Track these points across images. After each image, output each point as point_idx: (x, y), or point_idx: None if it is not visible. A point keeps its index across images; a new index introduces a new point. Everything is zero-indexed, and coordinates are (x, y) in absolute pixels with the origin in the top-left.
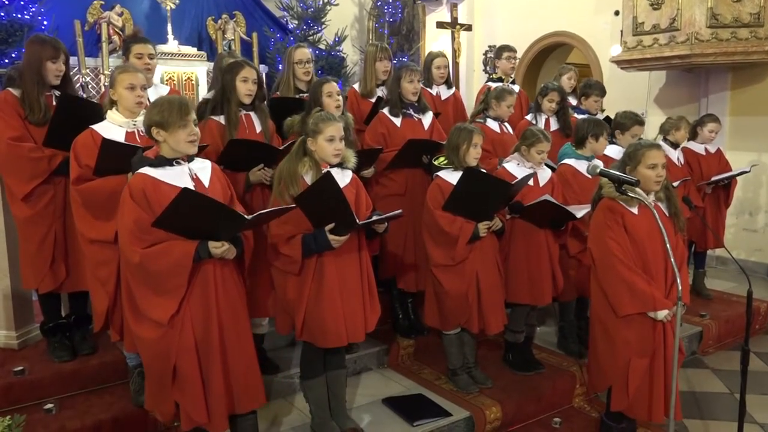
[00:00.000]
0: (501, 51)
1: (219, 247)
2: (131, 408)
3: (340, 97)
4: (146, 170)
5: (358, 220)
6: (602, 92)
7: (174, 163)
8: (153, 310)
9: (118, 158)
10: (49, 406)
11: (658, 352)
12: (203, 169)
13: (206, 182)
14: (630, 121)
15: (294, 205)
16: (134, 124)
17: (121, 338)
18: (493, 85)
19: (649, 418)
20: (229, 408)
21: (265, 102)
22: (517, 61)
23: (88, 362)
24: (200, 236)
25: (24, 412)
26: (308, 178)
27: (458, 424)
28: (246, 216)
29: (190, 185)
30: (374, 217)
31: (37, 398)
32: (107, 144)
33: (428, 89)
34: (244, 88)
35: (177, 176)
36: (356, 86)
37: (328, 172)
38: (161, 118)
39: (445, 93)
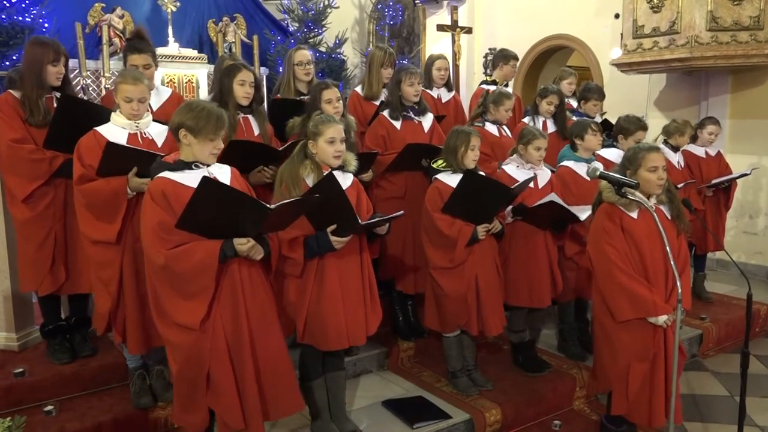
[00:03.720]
0: (507, 58)
1: (245, 244)
2: (131, 410)
3: (340, 103)
4: (165, 174)
5: (360, 221)
6: (601, 96)
7: (193, 166)
8: (182, 316)
9: (122, 161)
10: (49, 407)
11: (659, 356)
12: (222, 173)
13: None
14: (634, 126)
15: (318, 195)
16: (137, 126)
17: (123, 340)
18: (489, 87)
19: (649, 422)
20: (265, 413)
21: (264, 104)
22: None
23: (88, 364)
24: (224, 235)
25: (24, 413)
26: (310, 181)
27: (458, 427)
28: (269, 206)
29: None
30: (376, 218)
31: (37, 400)
32: (112, 147)
33: (429, 92)
34: (242, 91)
35: (196, 179)
36: (358, 89)
37: (331, 173)
38: (195, 124)
39: (445, 96)
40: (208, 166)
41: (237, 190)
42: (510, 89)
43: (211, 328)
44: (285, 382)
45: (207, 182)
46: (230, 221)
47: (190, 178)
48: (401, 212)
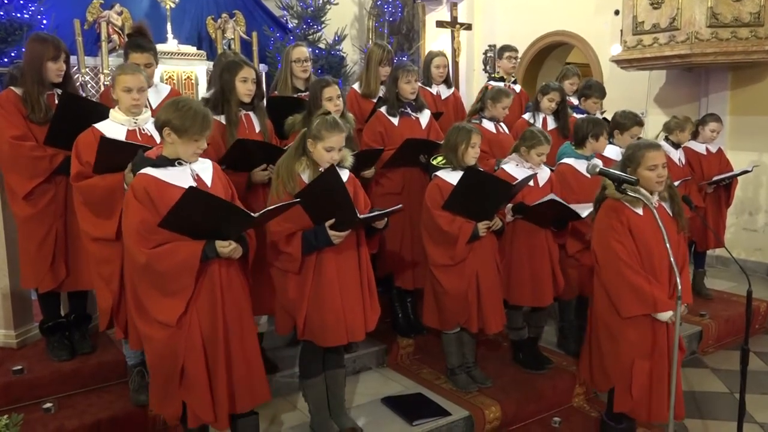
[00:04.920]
0: (502, 51)
1: (226, 246)
2: (130, 407)
3: (341, 100)
4: (148, 170)
5: (359, 215)
6: (602, 94)
7: (176, 163)
8: (160, 312)
9: (117, 156)
10: (48, 405)
11: (662, 353)
12: (205, 169)
13: (208, 182)
14: (629, 121)
15: (299, 200)
16: (135, 122)
17: (125, 336)
18: (494, 84)
19: (651, 417)
20: (231, 406)
21: (264, 101)
22: (518, 60)
23: (87, 361)
24: (207, 236)
25: (23, 411)
26: (305, 177)
27: (457, 424)
28: (253, 214)
29: (193, 185)
30: (375, 213)
31: (36, 397)
32: (105, 142)
33: (428, 88)
34: (244, 88)
35: (179, 176)
36: (356, 86)
37: (332, 165)
38: (180, 124)
39: (445, 92)
40: (190, 161)
41: (223, 200)
42: (519, 87)
43: (188, 324)
44: (256, 376)
45: (193, 192)
46: (214, 226)
47: (174, 176)
48: (400, 206)
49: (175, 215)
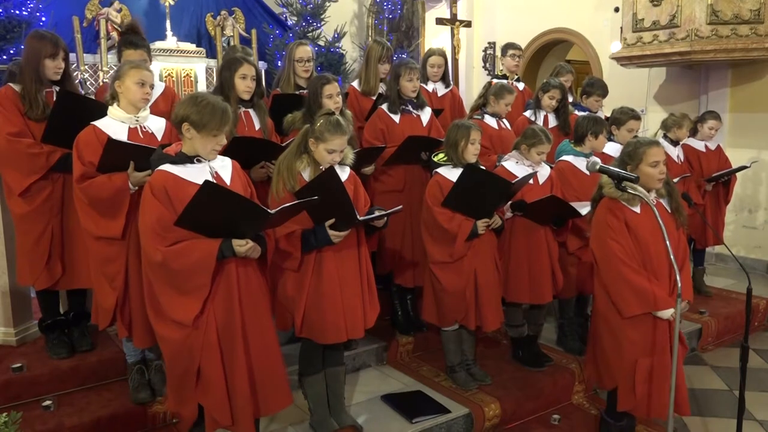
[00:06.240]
0: (506, 48)
1: (243, 245)
2: (130, 405)
3: (340, 98)
4: (166, 167)
5: (358, 216)
6: (604, 92)
7: (195, 160)
8: (176, 311)
9: (122, 156)
10: (48, 402)
11: (665, 350)
12: (224, 167)
13: (227, 180)
14: (626, 116)
15: (316, 197)
16: (137, 120)
17: (129, 334)
18: (497, 81)
19: (652, 413)
20: (255, 410)
21: (264, 98)
22: (520, 59)
23: (87, 359)
24: (223, 234)
25: (22, 409)
26: (306, 175)
27: (457, 421)
28: (269, 210)
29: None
30: (376, 213)
31: (36, 395)
32: (113, 144)
33: (424, 86)
34: (243, 85)
35: (198, 174)
36: (355, 83)
37: (331, 166)
38: (199, 119)
39: (441, 90)
40: (209, 159)
41: (239, 195)
42: (522, 85)
43: (204, 324)
44: (276, 377)
45: (209, 186)
46: (230, 223)
47: (192, 173)
48: (400, 207)
49: (192, 211)
